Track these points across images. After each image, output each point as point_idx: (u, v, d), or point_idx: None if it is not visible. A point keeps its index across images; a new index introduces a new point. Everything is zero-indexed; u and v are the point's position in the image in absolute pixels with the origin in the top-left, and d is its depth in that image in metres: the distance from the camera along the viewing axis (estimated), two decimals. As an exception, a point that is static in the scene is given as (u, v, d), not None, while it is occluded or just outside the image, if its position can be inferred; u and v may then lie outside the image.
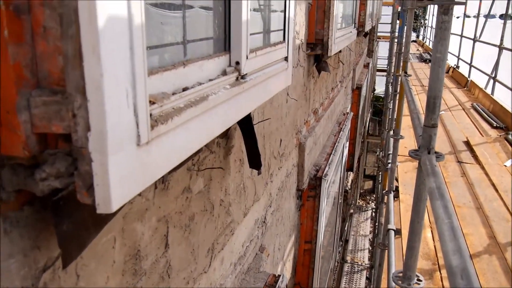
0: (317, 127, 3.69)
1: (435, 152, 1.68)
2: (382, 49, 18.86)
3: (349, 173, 8.55)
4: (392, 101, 7.07)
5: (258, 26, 1.53)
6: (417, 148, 1.81)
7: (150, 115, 0.77)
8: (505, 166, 6.19)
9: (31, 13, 0.64)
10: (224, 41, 1.20)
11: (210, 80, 1.04)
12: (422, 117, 2.04)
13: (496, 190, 5.60)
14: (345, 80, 6.08)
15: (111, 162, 0.65)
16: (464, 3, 2.52)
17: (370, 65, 11.37)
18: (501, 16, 11.48)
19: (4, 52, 0.61)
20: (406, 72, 4.89)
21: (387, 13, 16.39)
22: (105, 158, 0.65)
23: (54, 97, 0.65)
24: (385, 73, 13.88)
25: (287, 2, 1.67)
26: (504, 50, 10.41)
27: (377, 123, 17.51)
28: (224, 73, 1.13)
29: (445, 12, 1.54)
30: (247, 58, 1.22)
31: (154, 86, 0.82)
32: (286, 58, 1.72)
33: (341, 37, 3.67)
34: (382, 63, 19.29)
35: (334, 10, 3.00)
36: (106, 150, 0.64)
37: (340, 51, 4.25)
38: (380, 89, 19.05)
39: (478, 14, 13.08)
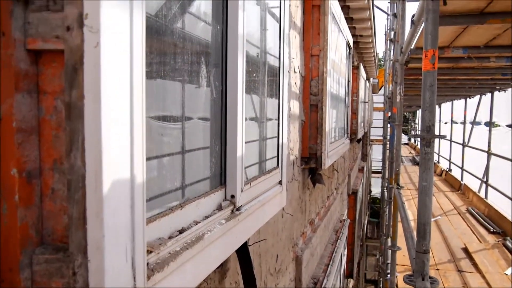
0: (313, 238, 3.67)
1: (430, 278, 1.67)
2: (376, 151, 19.22)
3: (349, 280, 8.28)
4: (388, 207, 7.09)
5: (254, 134, 1.60)
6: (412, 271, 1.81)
7: (147, 263, 0.79)
8: (506, 274, 6.04)
9: (41, 176, 0.70)
10: (220, 175, 1.26)
11: (206, 217, 1.08)
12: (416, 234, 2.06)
13: (501, 301, 5.42)
14: (340, 186, 6.16)
15: (106, 320, 0.67)
16: (444, 137, 2.69)
17: (365, 168, 11.57)
18: (486, 123, 11.96)
19: (13, 216, 0.66)
20: (398, 184, 4.95)
21: (379, 117, 16.99)
22: (101, 316, 0.66)
23: (56, 255, 0.68)
24: (380, 175, 14.04)
25: (281, 129, 1.77)
26: (492, 156, 10.68)
27: (375, 225, 17.31)
28: (220, 207, 1.18)
29: (427, 145, 1.64)
30: (242, 190, 1.28)
31: (152, 233, 0.86)
32: (280, 182, 1.78)
33: (334, 150, 3.80)
34: (377, 165, 19.52)
35: (326, 126, 3.15)
36: (102, 308, 0.66)
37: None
38: (376, 190, 19.07)
39: (465, 121, 13.63)
